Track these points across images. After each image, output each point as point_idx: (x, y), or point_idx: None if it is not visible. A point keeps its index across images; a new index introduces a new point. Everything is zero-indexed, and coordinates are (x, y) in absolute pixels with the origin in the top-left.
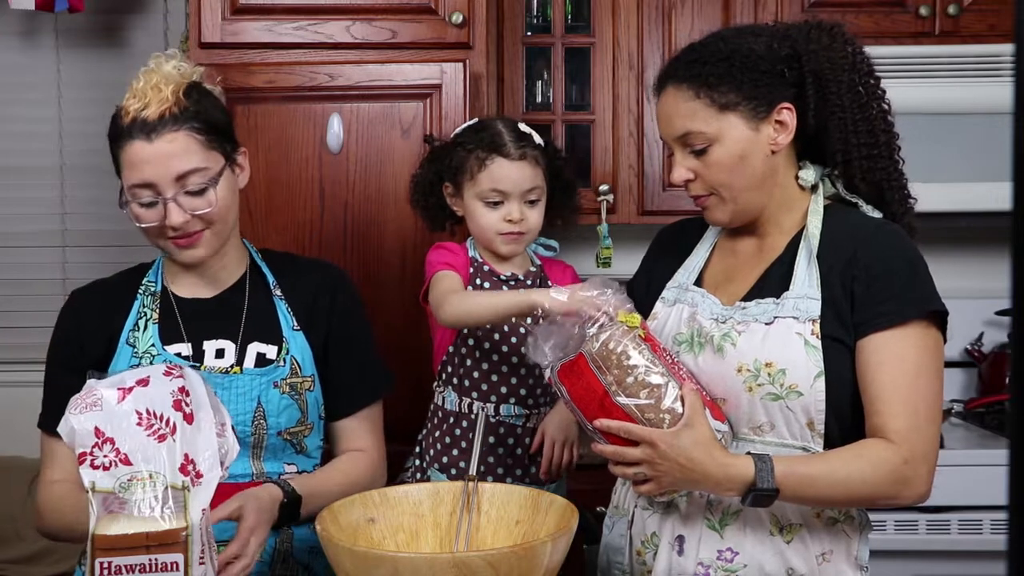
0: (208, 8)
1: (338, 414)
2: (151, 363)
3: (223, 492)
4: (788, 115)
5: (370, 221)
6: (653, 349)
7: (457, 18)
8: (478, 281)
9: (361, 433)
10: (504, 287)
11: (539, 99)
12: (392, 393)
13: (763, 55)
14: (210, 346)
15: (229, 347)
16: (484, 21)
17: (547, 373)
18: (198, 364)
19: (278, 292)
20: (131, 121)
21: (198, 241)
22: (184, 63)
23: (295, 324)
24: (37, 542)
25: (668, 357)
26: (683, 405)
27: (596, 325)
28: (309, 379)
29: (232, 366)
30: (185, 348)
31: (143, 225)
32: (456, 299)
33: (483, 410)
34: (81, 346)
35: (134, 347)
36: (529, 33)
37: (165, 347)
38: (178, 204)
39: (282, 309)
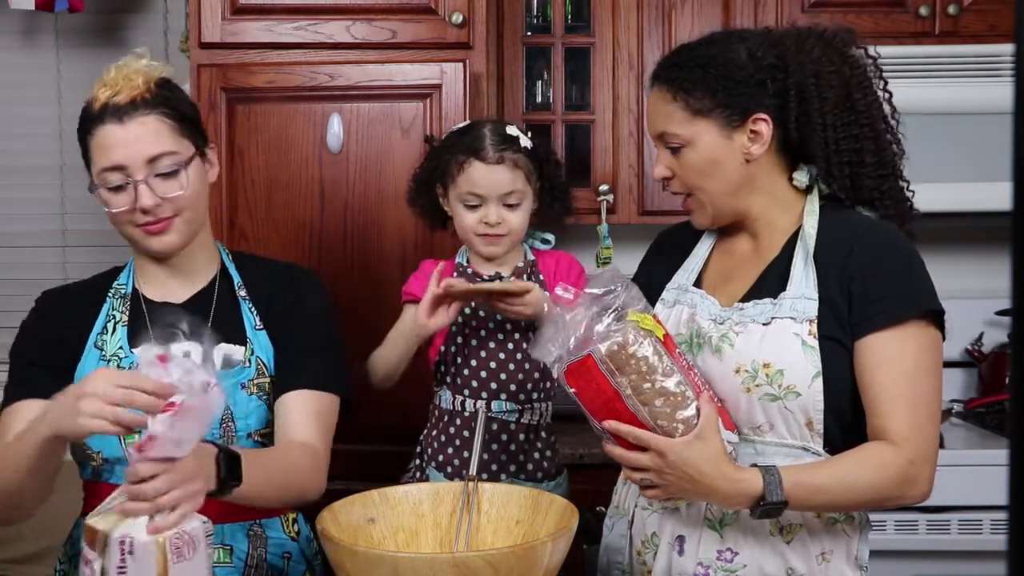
0: (208, 8)
1: (283, 388)
2: (118, 366)
3: None
4: (764, 126)
5: (370, 221)
6: (671, 354)
7: (457, 18)
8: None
9: (307, 423)
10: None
11: (539, 99)
12: (348, 404)
13: (742, 64)
14: (177, 349)
15: (195, 350)
16: (484, 21)
17: (554, 371)
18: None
19: (242, 292)
20: (102, 107)
21: (168, 227)
22: (155, 62)
23: (257, 324)
24: (38, 542)
25: (684, 362)
26: (699, 416)
27: (607, 323)
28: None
29: None
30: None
31: (113, 210)
32: (369, 364)
33: (482, 410)
34: (49, 346)
35: (102, 350)
36: (529, 33)
37: (133, 350)
38: (149, 186)
39: (245, 309)
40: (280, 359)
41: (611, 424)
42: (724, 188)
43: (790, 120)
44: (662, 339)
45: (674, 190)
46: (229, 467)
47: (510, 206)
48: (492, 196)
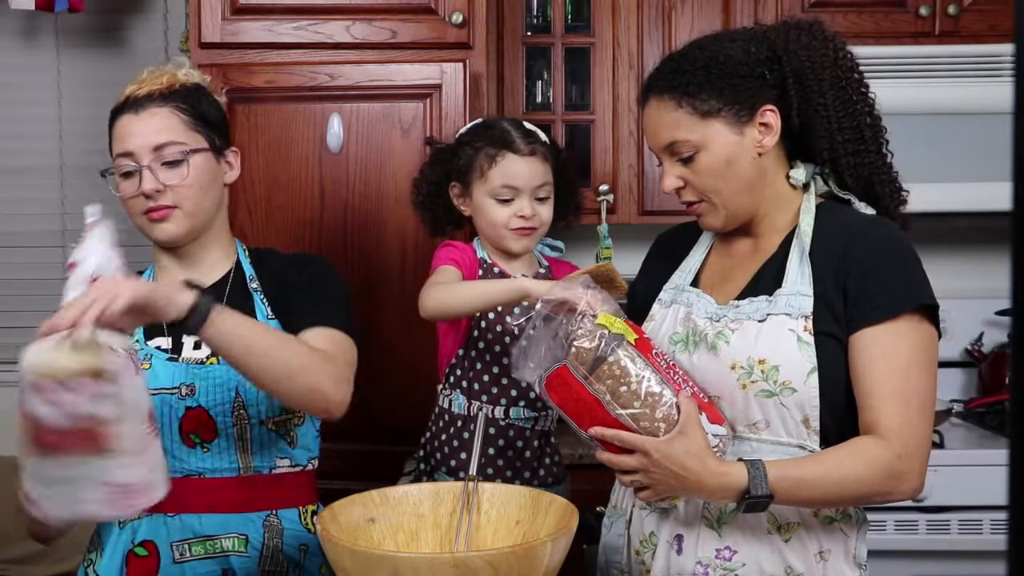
0: (208, 8)
1: (292, 331)
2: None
3: (204, 487)
4: (772, 116)
5: (370, 221)
6: (646, 355)
7: (457, 18)
8: None
9: (318, 342)
10: None
11: (539, 99)
12: (357, 346)
13: (741, 59)
14: (189, 339)
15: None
16: (484, 21)
17: (536, 387)
18: (176, 356)
19: (254, 284)
20: (124, 100)
21: (168, 216)
22: (194, 70)
23: (270, 313)
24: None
25: (662, 361)
26: (679, 412)
27: (577, 331)
28: None
29: (208, 356)
30: (165, 341)
31: (123, 196)
32: (439, 289)
33: (482, 411)
34: None
35: None
36: (529, 33)
37: (147, 342)
38: (152, 172)
39: (257, 300)
40: (290, 319)
41: (596, 430)
42: (740, 186)
43: (792, 107)
44: (634, 342)
45: (686, 199)
46: (201, 301)
47: (541, 199)
48: (526, 188)
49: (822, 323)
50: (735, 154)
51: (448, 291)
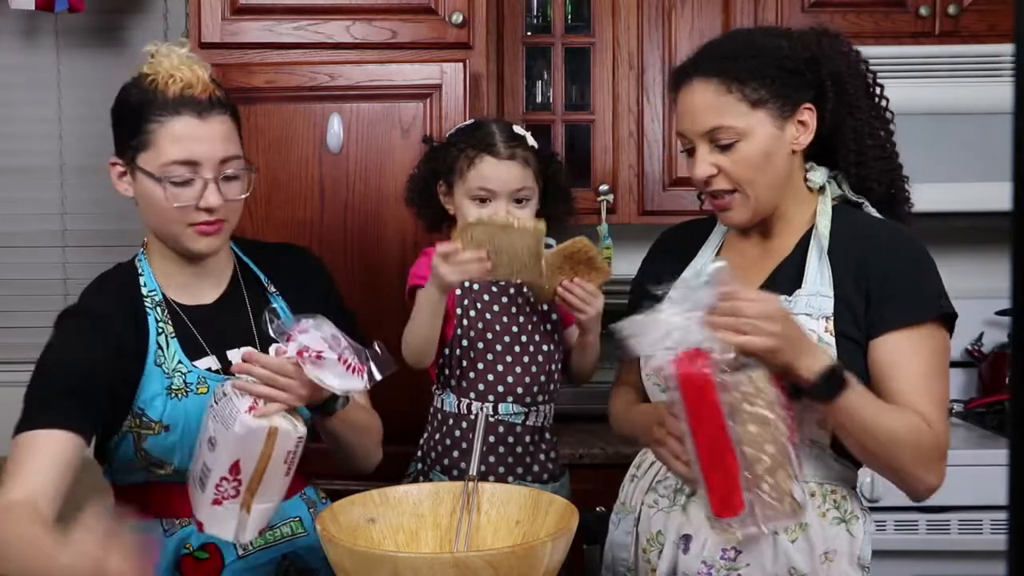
0: (208, 8)
1: None
2: (184, 381)
3: None
4: (809, 115)
5: (370, 221)
6: (777, 383)
7: (457, 18)
8: (465, 284)
9: (361, 398)
10: (493, 288)
11: (539, 99)
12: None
13: (788, 55)
14: (234, 355)
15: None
16: (484, 21)
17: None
18: (226, 376)
19: (272, 289)
20: (179, 96)
21: (220, 231)
22: (193, 54)
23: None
24: None
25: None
26: (786, 451)
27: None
28: None
29: None
30: (213, 362)
31: (175, 204)
32: (405, 339)
33: (483, 410)
34: (109, 360)
35: (161, 366)
36: (529, 33)
37: (194, 363)
38: (217, 187)
39: (281, 306)
40: None
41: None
42: (773, 181)
43: (827, 109)
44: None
45: (717, 187)
46: (335, 400)
47: (519, 202)
48: (503, 192)
49: (842, 324)
50: (773, 147)
51: (408, 335)
